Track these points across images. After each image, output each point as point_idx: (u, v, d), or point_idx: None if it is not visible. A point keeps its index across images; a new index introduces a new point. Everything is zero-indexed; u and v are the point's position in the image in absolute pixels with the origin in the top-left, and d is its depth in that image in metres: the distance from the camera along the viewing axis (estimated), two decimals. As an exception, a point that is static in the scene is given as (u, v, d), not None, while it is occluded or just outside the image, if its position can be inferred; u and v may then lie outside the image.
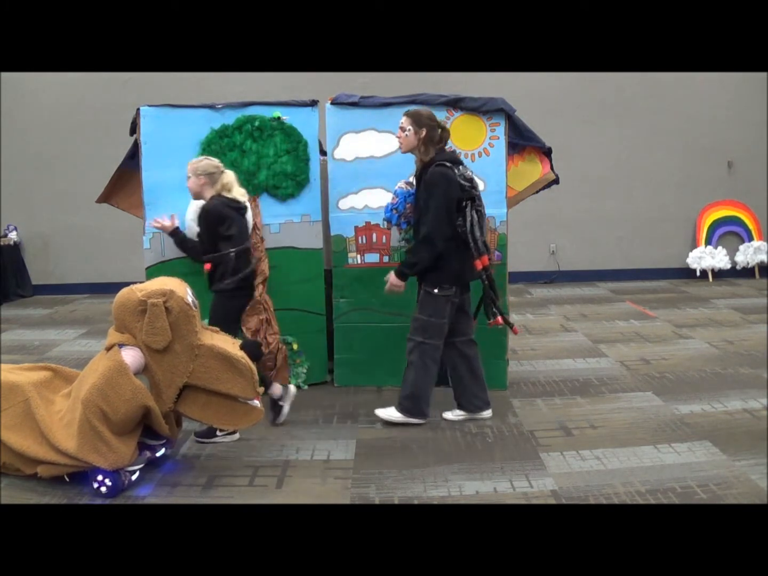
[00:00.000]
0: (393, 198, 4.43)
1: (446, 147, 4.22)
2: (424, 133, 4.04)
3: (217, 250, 4.12)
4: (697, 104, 9.31)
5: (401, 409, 4.27)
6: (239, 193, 4.23)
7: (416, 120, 4.05)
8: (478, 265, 4.03)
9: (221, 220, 4.08)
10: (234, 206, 4.15)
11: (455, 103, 4.79)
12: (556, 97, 9.08)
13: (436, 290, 4.10)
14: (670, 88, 9.17)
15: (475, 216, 4.03)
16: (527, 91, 8.36)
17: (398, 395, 4.30)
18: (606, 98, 9.21)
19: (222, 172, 4.19)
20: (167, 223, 4.37)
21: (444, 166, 4.01)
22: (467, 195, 4.04)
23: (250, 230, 4.43)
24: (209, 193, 4.16)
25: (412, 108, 4.26)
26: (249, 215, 4.41)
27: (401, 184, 4.42)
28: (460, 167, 4.09)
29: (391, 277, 4.17)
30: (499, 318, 4.17)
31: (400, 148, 4.22)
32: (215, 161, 4.24)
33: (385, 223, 4.62)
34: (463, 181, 4.03)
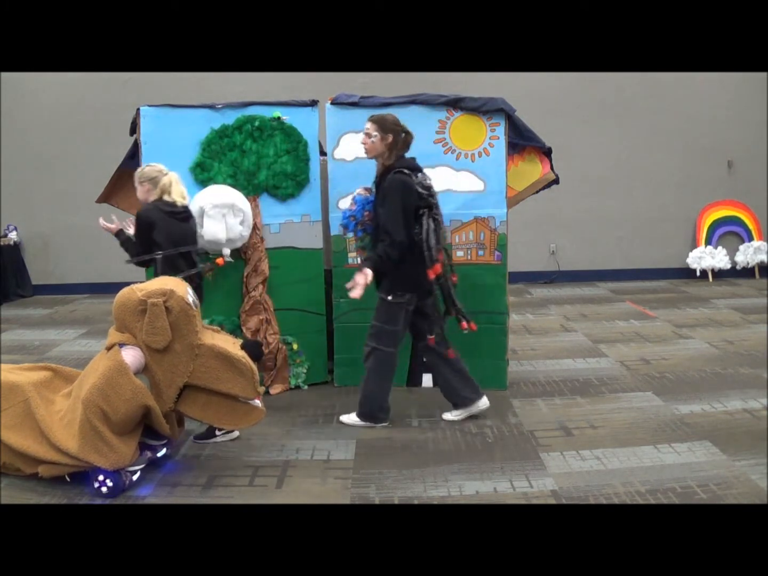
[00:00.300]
0: (351, 204, 4.39)
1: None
2: (390, 138, 4.03)
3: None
4: (697, 104, 9.31)
5: (359, 414, 4.31)
6: (179, 196, 4.16)
7: (382, 125, 4.05)
8: (431, 274, 4.01)
9: (150, 226, 4.05)
10: (168, 210, 4.10)
11: (455, 103, 4.79)
12: (556, 97, 9.08)
13: (390, 297, 4.10)
14: (670, 88, 9.17)
15: (431, 224, 4.02)
16: (527, 91, 8.36)
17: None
18: (606, 98, 9.21)
19: (165, 175, 4.16)
20: (112, 225, 4.39)
21: (402, 173, 4.00)
22: (425, 203, 4.03)
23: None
24: (153, 198, 4.14)
25: (377, 114, 4.20)
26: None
27: (360, 190, 4.39)
28: (419, 174, 4.08)
29: (363, 269, 3.98)
30: (464, 323, 4.18)
31: (366, 153, 4.18)
32: (158, 166, 4.20)
33: (342, 229, 4.61)
34: (421, 189, 4.02)
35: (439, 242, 4.08)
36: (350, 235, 4.61)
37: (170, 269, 4.02)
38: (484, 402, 4.35)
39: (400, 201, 3.97)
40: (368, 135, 4.07)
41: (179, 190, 4.17)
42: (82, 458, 3.34)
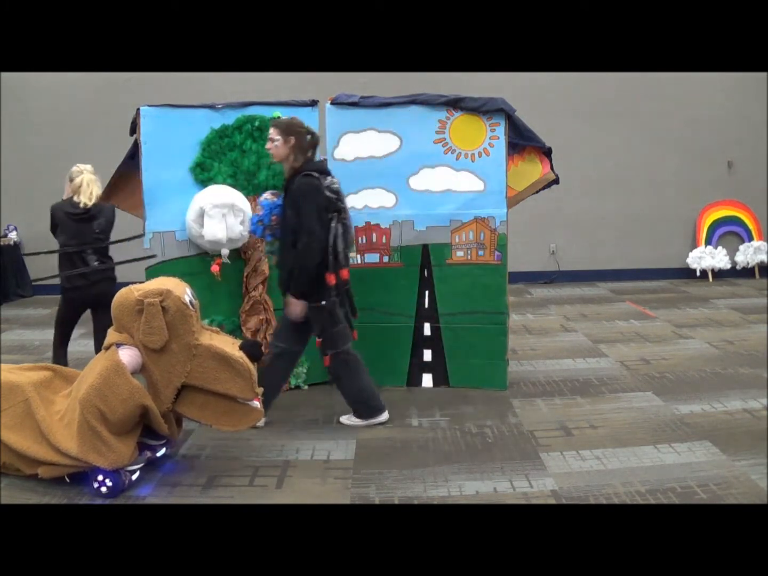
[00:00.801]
0: (258, 209, 4.36)
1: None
2: (293, 141, 4.00)
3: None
4: (697, 104, 9.30)
5: (358, 415, 4.33)
6: (85, 197, 4.33)
7: (283, 129, 4.02)
8: (331, 279, 3.97)
9: (54, 224, 4.36)
10: (68, 210, 4.30)
11: (455, 103, 4.79)
12: (556, 97, 9.08)
13: (323, 302, 4.06)
14: (670, 88, 9.17)
15: (340, 228, 4.00)
16: (527, 91, 8.36)
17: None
18: (606, 98, 9.21)
19: (80, 175, 4.34)
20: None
21: (311, 176, 3.98)
22: (333, 207, 4.01)
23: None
24: (67, 196, 4.36)
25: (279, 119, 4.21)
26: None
27: (267, 195, 4.36)
28: (328, 178, 4.06)
29: (291, 300, 4.04)
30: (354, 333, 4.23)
31: (273, 159, 4.18)
32: (81, 167, 4.40)
33: (251, 234, 4.57)
34: (329, 193, 4.00)
35: (348, 247, 4.08)
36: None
37: (67, 266, 4.35)
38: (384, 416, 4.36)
39: (310, 203, 3.94)
40: (271, 140, 4.05)
41: (89, 192, 4.35)
42: (82, 458, 3.34)
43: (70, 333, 4.80)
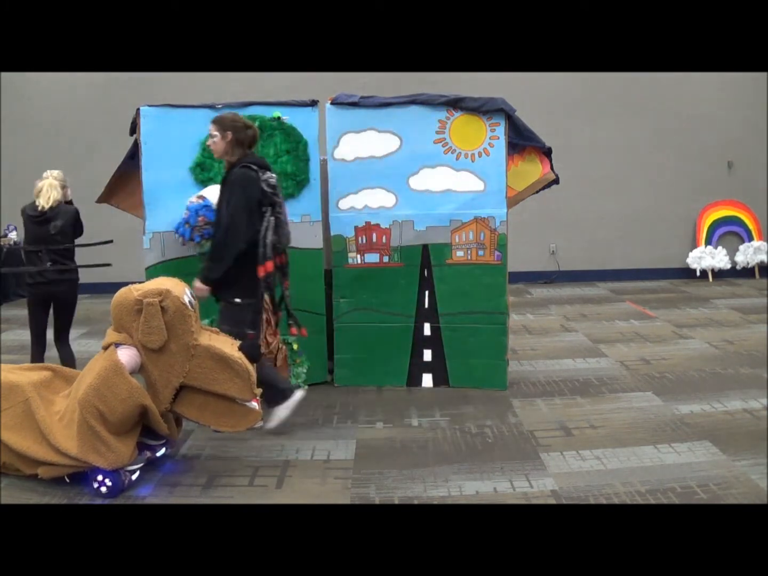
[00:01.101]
0: (185, 213, 4.38)
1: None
2: (230, 135, 4.00)
3: None
4: (697, 104, 9.31)
5: (274, 403, 4.15)
6: (44, 200, 4.64)
7: (220, 124, 4.03)
8: (261, 271, 3.94)
9: (23, 225, 4.79)
10: (29, 213, 4.72)
11: (455, 103, 4.79)
12: (556, 96, 9.08)
13: (237, 300, 4.00)
14: (670, 88, 9.17)
15: (272, 221, 3.99)
16: (527, 91, 8.36)
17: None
18: (606, 98, 9.22)
19: (42, 180, 4.69)
20: None
21: (248, 167, 3.97)
22: (268, 200, 4.00)
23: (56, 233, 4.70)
24: (32, 200, 4.75)
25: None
26: (61, 221, 4.69)
27: (192, 198, 4.41)
28: (267, 173, 4.05)
29: (196, 283, 3.97)
30: (294, 329, 4.24)
31: (214, 156, 4.19)
32: (49, 172, 4.76)
33: (179, 239, 4.54)
34: (266, 187, 3.99)
35: (281, 242, 4.06)
36: (192, 241, 4.50)
37: (28, 264, 4.80)
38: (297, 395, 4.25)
39: (242, 193, 3.91)
40: (211, 136, 4.06)
41: (48, 196, 4.65)
42: (81, 458, 3.35)
43: (40, 331, 4.86)
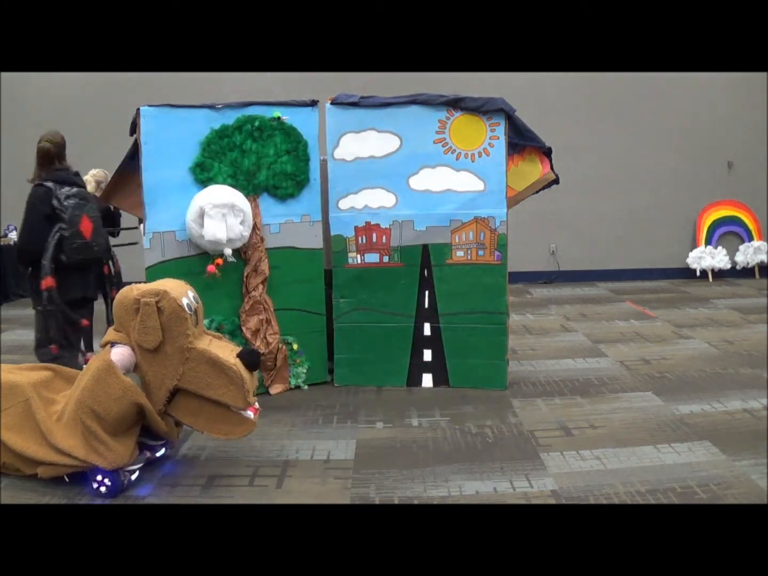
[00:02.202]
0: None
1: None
2: (37, 158, 4.31)
3: None
4: (697, 104, 9.31)
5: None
6: None
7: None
8: (42, 284, 4.11)
9: None
10: None
11: (455, 103, 4.79)
12: (557, 96, 9.09)
13: (39, 307, 4.20)
14: (670, 88, 9.18)
15: (55, 238, 4.15)
16: (527, 91, 8.37)
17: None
18: (606, 98, 9.22)
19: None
20: None
21: (41, 186, 4.24)
22: (57, 217, 4.18)
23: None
24: None
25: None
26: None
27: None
28: (65, 188, 4.26)
29: None
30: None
31: None
32: (93, 171, 4.95)
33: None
34: (57, 203, 4.18)
35: (68, 257, 4.17)
36: None
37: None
38: None
39: (27, 212, 4.23)
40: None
41: None
42: (81, 458, 3.34)
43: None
